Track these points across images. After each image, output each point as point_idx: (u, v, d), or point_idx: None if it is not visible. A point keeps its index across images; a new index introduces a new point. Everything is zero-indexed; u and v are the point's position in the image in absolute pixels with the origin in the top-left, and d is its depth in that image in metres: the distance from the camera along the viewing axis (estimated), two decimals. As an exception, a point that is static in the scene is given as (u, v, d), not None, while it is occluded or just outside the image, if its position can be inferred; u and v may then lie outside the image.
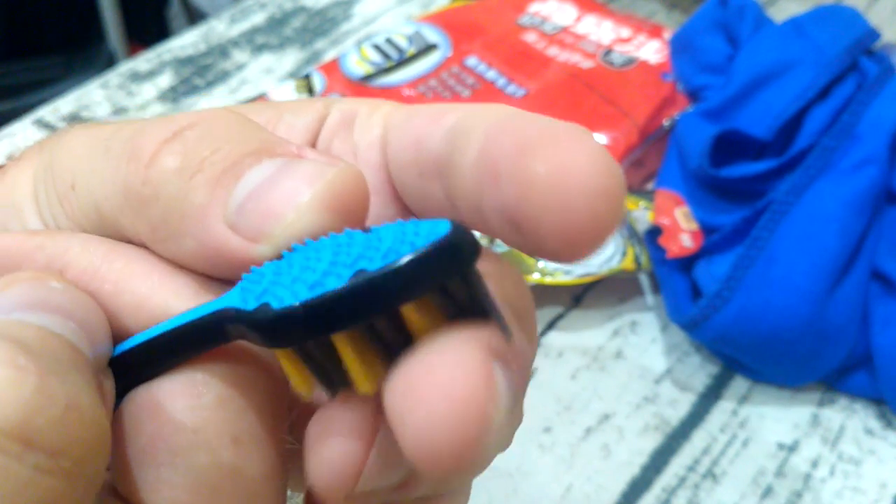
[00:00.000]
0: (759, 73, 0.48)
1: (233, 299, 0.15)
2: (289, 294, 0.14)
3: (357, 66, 0.58)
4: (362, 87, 0.56)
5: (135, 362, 0.16)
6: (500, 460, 0.44)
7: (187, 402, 0.15)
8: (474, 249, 0.15)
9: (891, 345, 0.41)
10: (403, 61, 0.58)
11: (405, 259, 0.14)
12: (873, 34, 0.49)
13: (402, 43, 0.59)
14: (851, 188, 0.42)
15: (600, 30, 0.60)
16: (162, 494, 0.15)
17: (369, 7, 0.69)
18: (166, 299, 0.17)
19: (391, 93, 0.55)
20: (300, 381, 0.15)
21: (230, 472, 0.15)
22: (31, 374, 0.13)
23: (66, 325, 0.15)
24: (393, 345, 0.15)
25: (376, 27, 0.67)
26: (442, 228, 0.14)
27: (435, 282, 0.14)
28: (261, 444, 0.16)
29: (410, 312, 0.15)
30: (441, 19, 0.62)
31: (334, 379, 0.15)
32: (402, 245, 0.14)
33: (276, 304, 0.14)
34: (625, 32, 0.59)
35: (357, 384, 0.15)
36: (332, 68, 0.58)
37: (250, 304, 0.15)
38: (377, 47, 0.59)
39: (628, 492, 0.40)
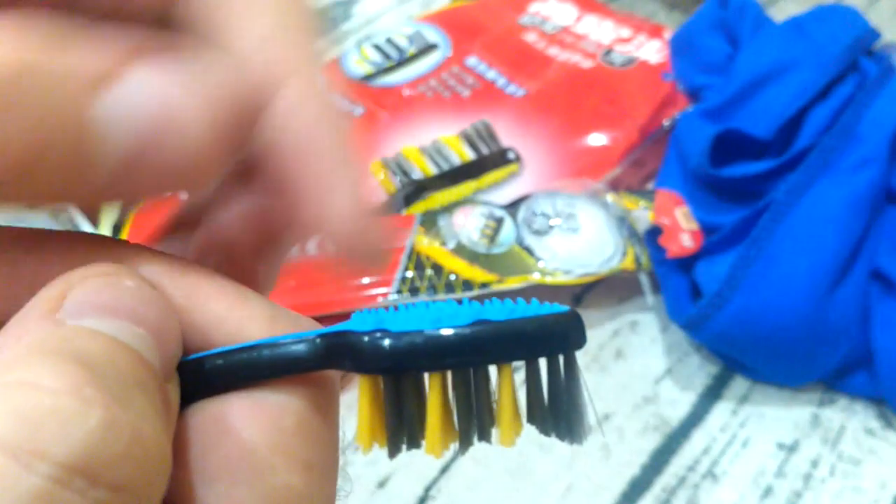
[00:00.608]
0: (760, 72, 0.48)
1: (334, 328, 0.16)
2: (408, 325, 0.15)
3: (357, 65, 0.58)
4: (363, 86, 0.56)
5: (212, 373, 0.16)
6: (500, 460, 0.44)
7: (267, 423, 0.15)
8: (584, 336, 0.16)
9: (891, 345, 0.41)
10: (404, 61, 0.58)
11: (534, 318, 0.15)
12: (873, 34, 0.49)
13: (403, 43, 0.59)
14: (851, 188, 0.42)
15: (600, 30, 0.60)
16: None
17: (369, 7, 0.69)
18: (242, 323, 0.16)
19: (391, 92, 0.56)
20: (368, 429, 0.16)
21: (303, 497, 0.15)
22: (97, 407, 0.13)
23: (137, 332, 0.15)
24: (472, 412, 0.15)
25: (377, 27, 0.67)
26: (563, 309, 0.16)
27: (556, 347, 0.16)
28: (328, 473, 0.16)
29: (507, 378, 0.15)
30: (441, 19, 0.62)
31: (405, 432, 0.16)
32: (525, 311, 0.15)
33: (394, 330, 0.15)
34: (625, 32, 0.59)
35: (429, 444, 0.15)
36: (333, 68, 0.58)
37: (361, 329, 0.15)
38: (377, 47, 0.59)
39: (628, 492, 0.40)
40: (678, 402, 0.44)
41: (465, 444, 0.16)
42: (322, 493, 0.16)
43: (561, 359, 0.16)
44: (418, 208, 0.49)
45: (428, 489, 0.40)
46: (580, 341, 0.16)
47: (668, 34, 0.59)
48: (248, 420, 0.15)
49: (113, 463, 0.13)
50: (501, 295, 0.47)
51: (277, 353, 0.16)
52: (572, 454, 0.41)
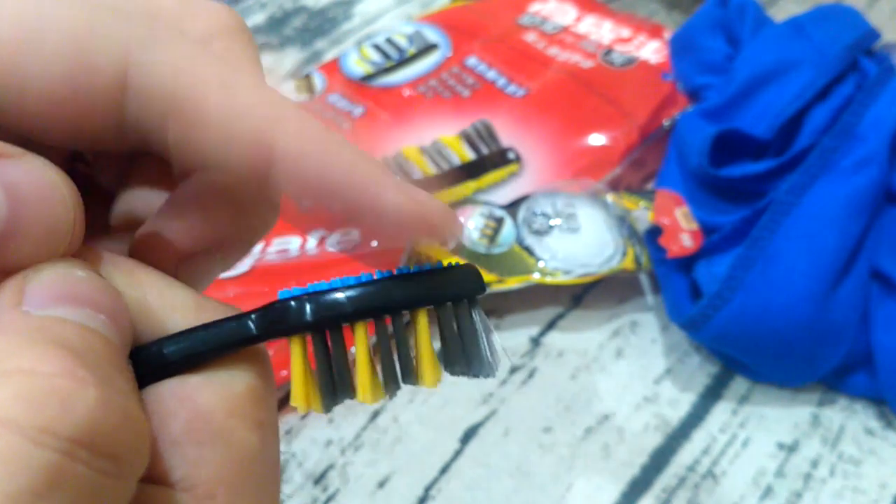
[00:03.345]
0: (759, 72, 0.48)
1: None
2: (336, 285, 0.17)
3: (357, 65, 0.58)
4: (363, 86, 0.56)
5: (159, 358, 0.17)
6: (500, 460, 0.44)
7: (220, 390, 0.17)
8: (482, 284, 0.18)
9: (891, 345, 0.41)
10: (404, 61, 0.58)
11: (440, 269, 0.18)
12: (873, 34, 0.49)
13: (403, 43, 0.59)
14: (851, 188, 0.42)
15: (600, 30, 0.60)
16: (203, 471, 0.16)
17: (369, 7, 0.69)
18: (169, 312, 0.17)
19: (391, 92, 0.56)
20: (303, 390, 0.17)
21: (259, 451, 0.17)
22: (90, 386, 0.14)
23: (98, 318, 0.16)
24: (394, 359, 0.17)
25: (376, 27, 0.67)
26: (465, 264, 0.18)
27: (460, 292, 0.18)
28: (275, 431, 0.18)
29: (423, 321, 0.17)
30: (441, 19, 0.62)
31: (337, 385, 0.17)
32: (430, 267, 0.18)
33: (315, 291, 0.17)
34: (625, 32, 0.59)
35: (361, 392, 0.17)
36: (333, 68, 0.58)
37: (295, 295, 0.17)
38: (377, 47, 0.59)
39: (628, 492, 0.40)
40: (678, 402, 0.44)
41: (393, 388, 0.18)
42: (273, 448, 0.18)
43: (467, 307, 0.18)
44: (418, 208, 0.49)
45: (428, 489, 0.40)
46: (478, 288, 0.18)
47: (668, 34, 0.59)
48: (202, 389, 0.17)
49: (110, 435, 0.14)
50: (501, 294, 0.47)
51: (218, 332, 0.17)
52: (572, 454, 0.41)
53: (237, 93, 0.17)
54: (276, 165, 0.17)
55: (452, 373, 0.18)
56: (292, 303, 0.17)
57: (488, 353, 0.18)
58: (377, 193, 0.17)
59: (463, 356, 0.18)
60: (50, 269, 0.16)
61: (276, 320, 0.17)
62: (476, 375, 0.18)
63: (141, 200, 0.21)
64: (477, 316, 0.18)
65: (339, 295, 0.17)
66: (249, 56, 0.20)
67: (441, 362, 0.18)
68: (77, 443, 0.14)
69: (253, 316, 0.17)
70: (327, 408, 0.18)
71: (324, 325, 0.17)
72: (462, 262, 0.19)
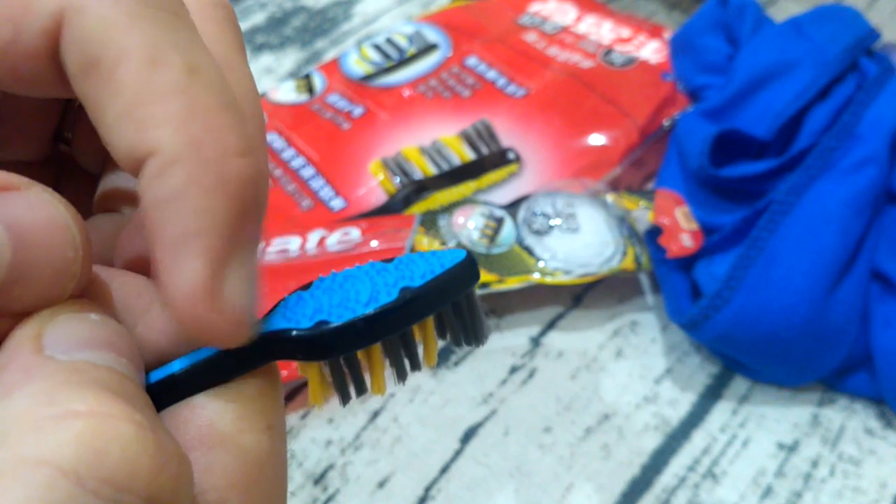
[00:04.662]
0: (759, 72, 0.48)
1: (275, 323, 0.17)
2: (344, 312, 0.17)
3: (357, 65, 0.58)
4: (363, 86, 0.56)
5: (169, 387, 0.17)
6: (500, 460, 0.44)
7: (229, 396, 0.17)
8: (478, 272, 0.19)
9: (891, 345, 0.41)
10: (404, 61, 0.58)
11: (443, 273, 0.18)
12: (873, 34, 0.49)
13: (403, 43, 0.59)
14: (851, 188, 0.42)
15: (600, 30, 0.60)
16: (215, 476, 0.16)
17: (369, 7, 0.69)
18: (163, 330, 0.17)
19: (391, 93, 0.56)
20: (319, 393, 0.18)
21: (269, 454, 0.17)
22: (147, 431, 0.13)
23: (122, 361, 0.15)
24: (406, 352, 0.18)
25: (376, 27, 0.67)
26: (459, 254, 0.18)
27: (463, 290, 0.18)
28: (283, 433, 0.18)
29: (430, 322, 0.18)
30: (441, 19, 0.62)
31: (351, 388, 0.18)
32: (433, 267, 0.18)
33: (334, 320, 0.17)
34: (625, 32, 0.59)
35: (374, 388, 0.18)
36: (333, 68, 0.58)
37: (304, 324, 0.17)
38: (377, 47, 0.59)
39: (628, 492, 0.40)
40: (678, 402, 0.44)
41: (402, 376, 0.19)
42: (282, 450, 0.18)
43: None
44: (418, 208, 0.49)
45: (428, 489, 0.40)
46: (477, 276, 0.19)
47: (668, 34, 0.59)
48: (211, 398, 0.17)
49: (169, 485, 0.14)
50: (501, 294, 0.47)
51: (228, 360, 0.17)
52: (572, 454, 0.41)
53: (159, 72, 0.15)
54: (142, 173, 0.15)
55: (452, 344, 0.19)
56: (313, 333, 0.17)
57: (479, 325, 0.19)
58: (177, 259, 0.14)
59: (460, 332, 0.19)
60: (65, 313, 0.15)
61: (293, 349, 0.17)
62: (468, 345, 0.19)
63: (122, 183, 0.21)
64: (471, 296, 0.19)
65: (354, 325, 0.17)
66: (225, 30, 0.18)
67: (440, 340, 0.19)
68: (137, 494, 0.13)
69: (263, 345, 0.17)
70: (345, 402, 0.18)
71: (338, 354, 0.17)
72: (455, 248, 0.19)
